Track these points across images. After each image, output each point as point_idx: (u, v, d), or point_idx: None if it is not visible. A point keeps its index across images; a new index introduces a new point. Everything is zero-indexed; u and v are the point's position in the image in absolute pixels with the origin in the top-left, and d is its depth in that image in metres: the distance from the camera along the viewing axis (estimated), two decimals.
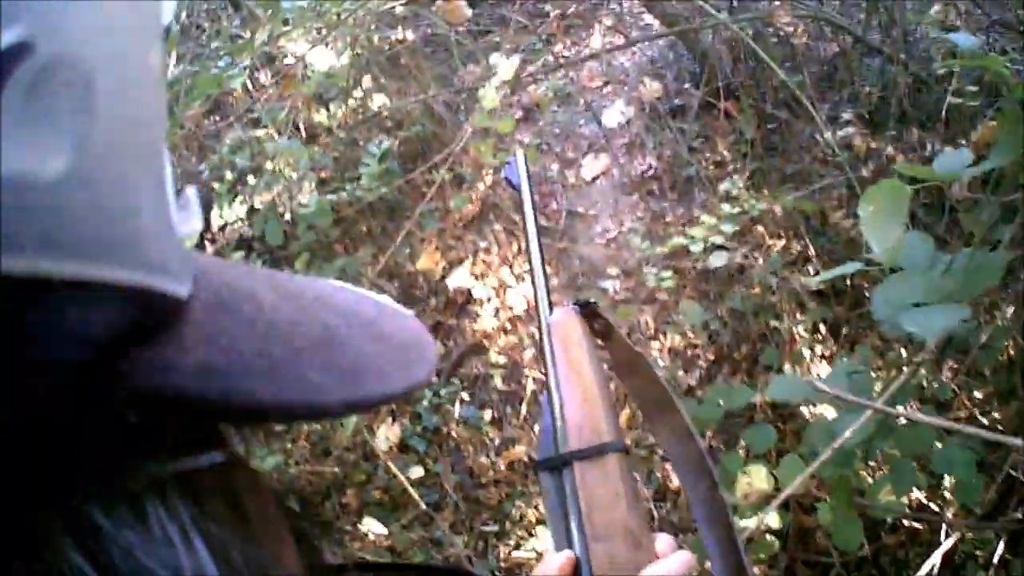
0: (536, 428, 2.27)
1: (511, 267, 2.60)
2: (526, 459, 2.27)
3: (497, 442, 2.37)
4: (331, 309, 0.29)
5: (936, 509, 1.73)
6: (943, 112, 2.02)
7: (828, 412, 1.74)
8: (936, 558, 1.52)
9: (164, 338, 0.23)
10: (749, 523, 1.44)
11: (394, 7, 2.66)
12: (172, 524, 0.23)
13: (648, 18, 3.12)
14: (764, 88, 2.54)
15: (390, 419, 2.39)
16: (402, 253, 2.54)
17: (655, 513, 2.07)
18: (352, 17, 2.50)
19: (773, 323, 2.14)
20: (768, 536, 1.66)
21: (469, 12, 2.73)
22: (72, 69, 0.20)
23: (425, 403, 2.40)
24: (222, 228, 2.67)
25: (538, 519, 2.19)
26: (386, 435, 2.35)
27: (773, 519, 1.56)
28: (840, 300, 2.13)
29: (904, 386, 1.18)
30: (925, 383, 1.63)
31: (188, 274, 0.25)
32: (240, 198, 2.56)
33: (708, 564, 0.60)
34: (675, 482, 2.07)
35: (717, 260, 2.05)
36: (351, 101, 2.78)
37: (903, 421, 1.25)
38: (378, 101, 2.81)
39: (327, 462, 2.31)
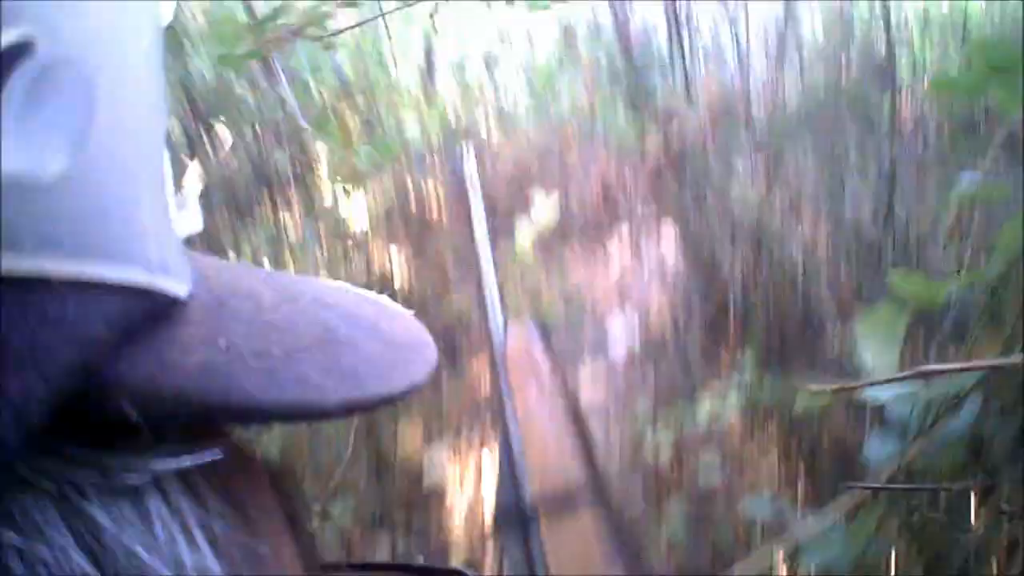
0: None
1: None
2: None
3: None
4: (331, 309, 0.29)
5: None
6: None
7: None
8: None
9: (164, 338, 0.23)
10: None
11: None
12: (174, 522, 0.23)
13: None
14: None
15: None
16: None
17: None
18: None
19: None
20: None
21: None
22: (73, 69, 0.20)
23: None
24: None
25: None
26: None
27: None
28: None
29: None
30: None
31: (187, 274, 0.25)
32: None
33: None
34: None
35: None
36: None
37: None
38: None
39: None
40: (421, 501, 2.49)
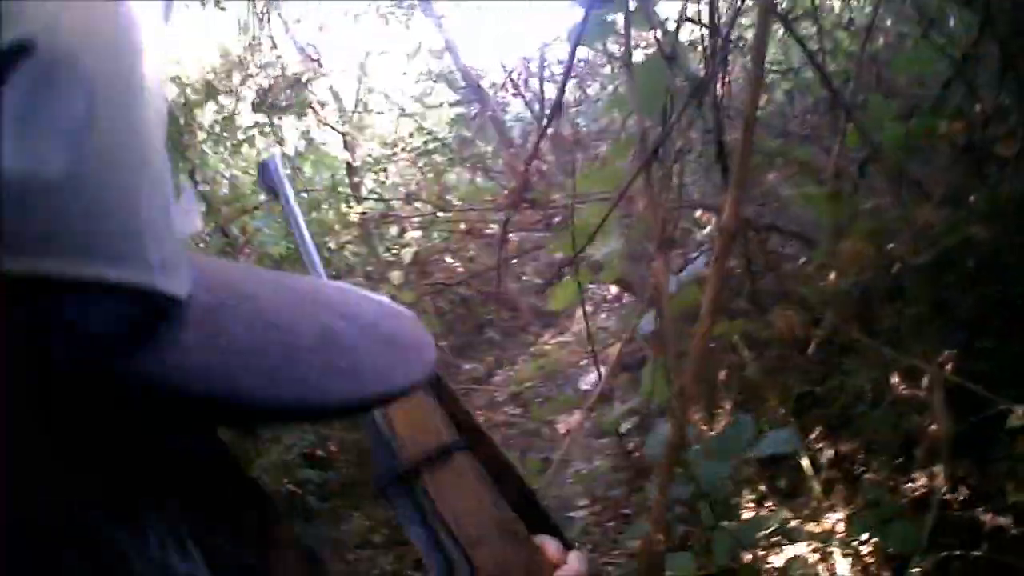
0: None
1: None
2: None
3: None
4: (330, 309, 0.29)
5: None
6: None
7: None
8: None
9: (163, 338, 0.23)
10: None
11: None
12: (167, 528, 0.23)
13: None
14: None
15: None
16: None
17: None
18: None
19: None
20: None
21: None
22: (73, 70, 0.20)
23: None
24: None
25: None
26: None
27: None
28: None
29: None
30: None
31: (187, 274, 0.25)
32: None
33: None
34: None
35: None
36: None
37: None
38: None
39: None
40: None
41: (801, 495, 1.92)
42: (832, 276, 1.81)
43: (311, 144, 3.76)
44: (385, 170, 4.45)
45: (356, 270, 3.82)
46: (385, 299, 0.32)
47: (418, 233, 4.01)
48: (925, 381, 1.62)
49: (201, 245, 3.19)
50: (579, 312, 3.57)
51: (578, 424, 2.92)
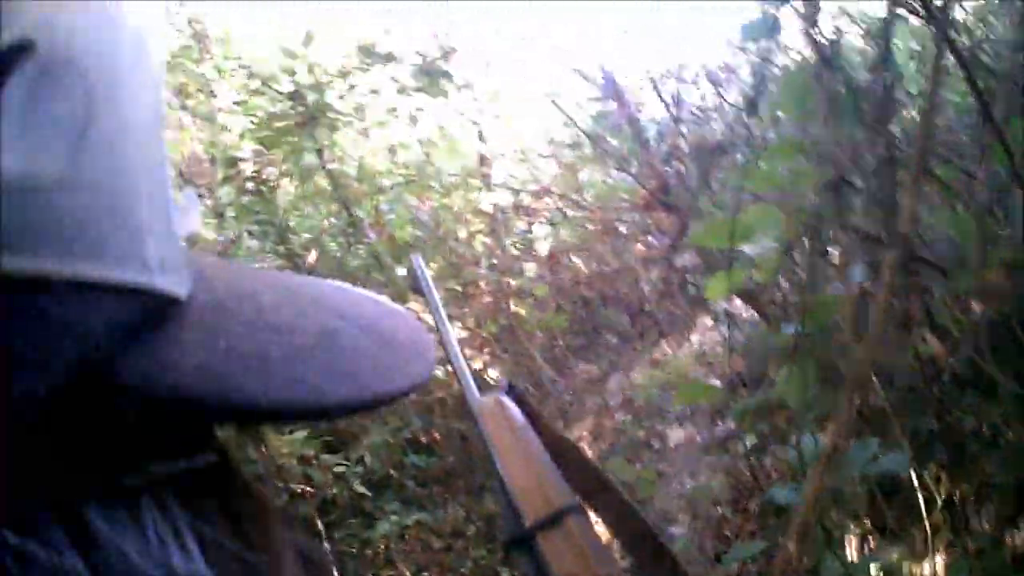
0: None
1: None
2: None
3: None
4: (330, 309, 0.29)
5: None
6: None
7: None
8: None
9: (163, 338, 0.23)
10: None
11: None
12: (166, 525, 0.23)
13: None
14: None
15: None
16: None
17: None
18: None
19: None
20: None
21: None
22: (72, 70, 0.20)
23: None
24: None
25: None
26: None
27: None
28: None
29: None
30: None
31: (187, 274, 0.25)
32: None
33: None
34: None
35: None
36: None
37: None
38: None
39: None
40: None
41: (906, 533, 1.82)
42: (974, 305, 1.69)
43: (442, 131, 3.83)
44: (525, 160, 4.49)
45: (480, 261, 3.86)
46: (384, 299, 0.32)
47: (548, 228, 4.01)
48: None
49: (326, 223, 3.30)
50: (700, 323, 3.50)
51: (688, 438, 2.92)
